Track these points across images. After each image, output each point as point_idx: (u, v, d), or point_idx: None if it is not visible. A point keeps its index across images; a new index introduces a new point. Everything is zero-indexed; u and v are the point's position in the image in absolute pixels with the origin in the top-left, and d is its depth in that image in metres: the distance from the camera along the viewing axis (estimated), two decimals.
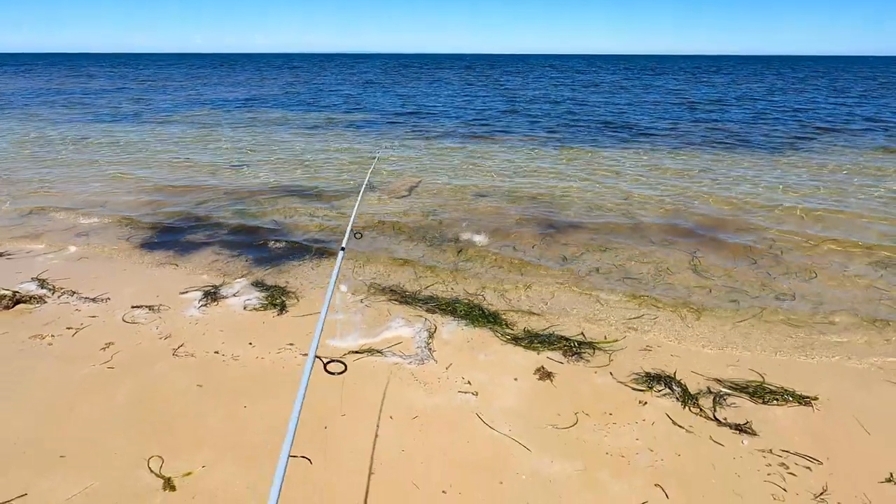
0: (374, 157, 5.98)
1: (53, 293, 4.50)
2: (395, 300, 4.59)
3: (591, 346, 3.86)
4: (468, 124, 16.30)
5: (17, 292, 4.30)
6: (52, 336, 3.81)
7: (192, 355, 3.62)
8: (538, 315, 4.41)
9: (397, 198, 8.02)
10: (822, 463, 2.76)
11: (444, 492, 2.53)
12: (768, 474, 2.68)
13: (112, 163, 10.61)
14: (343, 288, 4.79)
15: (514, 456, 2.77)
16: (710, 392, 3.34)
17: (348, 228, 2.71)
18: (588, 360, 3.68)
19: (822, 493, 2.56)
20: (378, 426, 2.96)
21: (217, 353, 3.66)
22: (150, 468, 2.60)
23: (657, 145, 12.59)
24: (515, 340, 3.91)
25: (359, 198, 3.56)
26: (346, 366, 1.64)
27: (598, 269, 5.42)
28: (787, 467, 2.73)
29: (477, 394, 3.27)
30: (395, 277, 5.15)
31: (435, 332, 4.02)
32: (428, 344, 3.83)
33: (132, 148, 12.25)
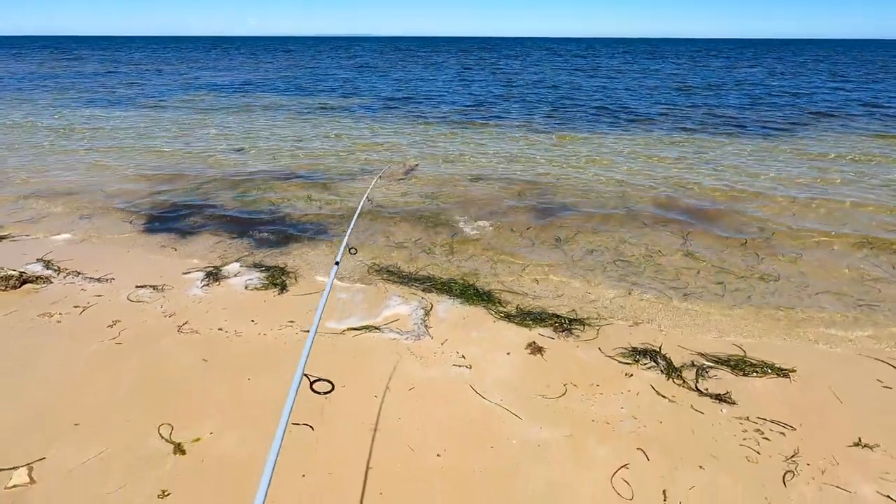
0: (376, 175, 5.99)
1: (59, 274, 4.61)
2: (393, 280, 4.72)
3: (582, 323, 4.01)
4: (465, 109, 16.28)
5: (24, 273, 4.41)
6: (60, 314, 3.94)
7: (197, 332, 3.75)
8: (531, 294, 4.55)
9: (395, 181, 8.11)
10: (795, 429, 2.93)
11: (438, 455, 2.69)
12: (744, 439, 2.85)
13: (108, 148, 10.62)
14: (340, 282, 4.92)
15: (506, 423, 2.93)
16: (694, 365, 3.50)
17: (343, 243, 2.65)
18: (578, 336, 3.83)
19: (793, 456, 2.74)
20: (376, 397, 3.11)
21: (221, 329, 3.80)
22: (160, 434, 2.75)
23: (653, 130, 12.65)
24: (508, 318, 4.06)
25: (356, 213, 3.31)
26: (332, 385, 1.63)
27: (590, 251, 5.56)
28: (763, 433, 2.90)
29: (471, 367, 3.42)
30: (392, 259, 5.28)
31: (431, 310, 4.16)
32: (424, 321, 3.97)
33: (128, 133, 12.23)
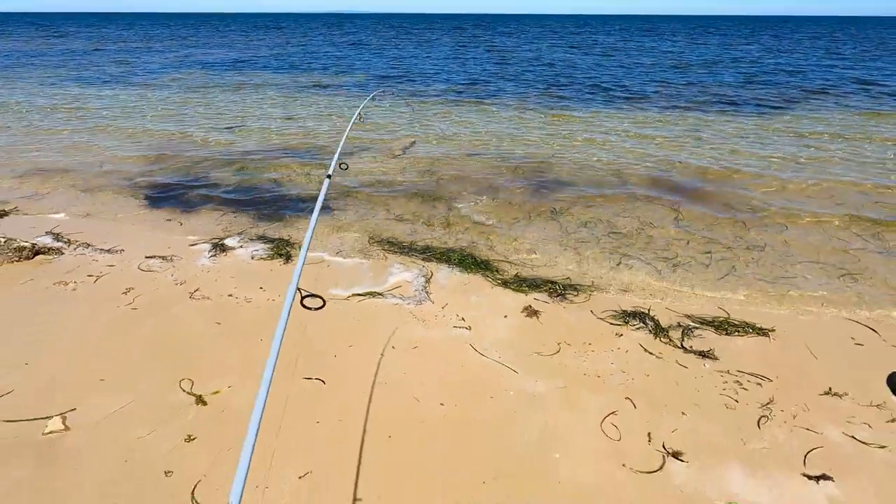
0: (368, 96, 6.01)
1: (69, 245, 4.74)
2: (393, 251, 4.89)
3: (575, 288, 4.21)
4: (460, 86, 16.24)
5: (35, 244, 4.54)
6: (76, 282, 4.09)
7: (208, 298, 3.93)
8: (527, 264, 4.74)
9: (392, 157, 8.21)
10: (771, 380, 3.16)
11: (441, 404, 2.90)
12: (724, 389, 3.08)
13: (101, 127, 10.59)
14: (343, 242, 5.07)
15: (503, 377, 3.15)
16: (680, 326, 3.72)
17: (335, 157, 2.65)
18: (571, 301, 4.04)
19: (768, 403, 2.97)
20: (382, 355, 3.31)
21: (231, 296, 3.97)
22: (181, 388, 2.95)
23: (648, 108, 12.72)
24: (505, 284, 4.25)
25: (347, 130, 3.43)
26: (324, 301, 1.63)
27: (584, 224, 5.74)
28: (741, 384, 3.13)
29: (470, 328, 3.63)
30: (392, 232, 5.44)
31: (431, 277, 4.35)
32: (425, 287, 4.16)
33: (121, 112, 12.17)
